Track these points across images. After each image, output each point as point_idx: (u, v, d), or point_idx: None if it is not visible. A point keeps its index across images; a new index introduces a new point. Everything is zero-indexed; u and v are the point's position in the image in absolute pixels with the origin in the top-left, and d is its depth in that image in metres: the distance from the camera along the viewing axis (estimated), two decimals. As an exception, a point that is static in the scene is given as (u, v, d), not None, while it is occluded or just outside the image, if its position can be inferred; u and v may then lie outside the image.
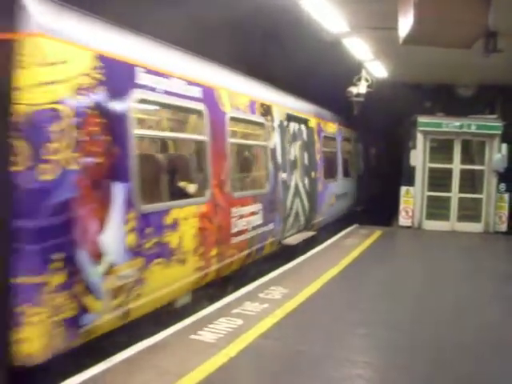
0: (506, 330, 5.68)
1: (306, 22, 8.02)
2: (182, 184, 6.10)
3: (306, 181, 10.32)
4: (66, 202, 4.01)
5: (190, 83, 5.88)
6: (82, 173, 4.17)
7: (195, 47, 6.49)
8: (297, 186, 9.76)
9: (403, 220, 13.55)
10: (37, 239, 3.80)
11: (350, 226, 13.12)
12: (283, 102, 9.36)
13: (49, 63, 3.93)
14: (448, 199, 13.47)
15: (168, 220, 5.37)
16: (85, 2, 4.97)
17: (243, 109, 7.47)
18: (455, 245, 11.84)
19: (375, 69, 11.96)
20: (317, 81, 11.98)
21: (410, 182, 13.47)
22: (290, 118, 9.46)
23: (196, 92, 6.02)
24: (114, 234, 4.53)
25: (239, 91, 7.42)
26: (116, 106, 4.62)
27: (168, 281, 5.38)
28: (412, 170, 13.44)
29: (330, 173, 12.37)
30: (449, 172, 13.45)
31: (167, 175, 5.98)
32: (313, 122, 10.96)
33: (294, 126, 9.68)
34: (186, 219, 5.70)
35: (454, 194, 13.44)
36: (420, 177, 13.43)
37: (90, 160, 4.27)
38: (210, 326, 5.26)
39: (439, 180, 13.57)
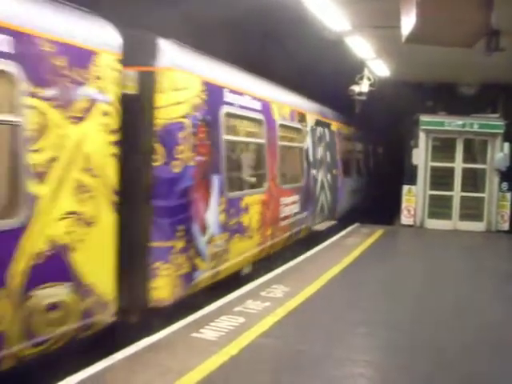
0: (506, 330, 5.68)
1: (308, 20, 8.02)
2: (250, 177, 7.73)
3: (329, 177, 12.09)
4: (187, 189, 5.57)
5: (254, 98, 7.65)
6: (196, 168, 5.75)
7: (200, 46, 6.51)
8: (322, 182, 11.50)
9: (405, 219, 13.55)
10: (168, 215, 5.32)
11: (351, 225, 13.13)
12: (313, 110, 11.08)
13: (176, 89, 5.46)
14: (450, 198, 13.45)
15: (243, 204, 7.13)
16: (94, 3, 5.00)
17: (287, 117, 9.23)
18: (457, 244, 11.84)
19: (377, 68, 11.94)
20: (319, 79, 11.97)
21: (412, 180, 13.46)
22: (318, 123, 11.21)
23: (258, 105, 7.79)
24: (212, 213, 6.14)
25: (284, 103, 9.15)
26: (213, 118, 6.21)
27: (241, 252, 7.07)
28: (414, 168, 13.43)
29: (346, 170, 14.01)
30: (451, 171, 13.43)
31: (242, 170, 7.56)
32: (334, 126, 12.71)
33: (320, 129, 11.37)
34: (253, 205, 7.44)
35: (456, 193, 13.42)
36: (422, 176, 13.42)
37: (200, 158, 5.85)
38: (212, 324, 5.27)
39: (441, 179, 13.55)
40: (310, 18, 7.89)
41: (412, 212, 13.48)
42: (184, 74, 5.64)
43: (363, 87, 11.93)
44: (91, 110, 4.48)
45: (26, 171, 3.84)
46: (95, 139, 4.51)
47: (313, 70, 11.92)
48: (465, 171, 13.46)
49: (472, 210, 13.51)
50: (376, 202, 16.65)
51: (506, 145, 13.03)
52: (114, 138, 4.71)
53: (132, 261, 5.13)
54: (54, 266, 4.09)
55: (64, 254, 4.17)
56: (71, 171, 4.25)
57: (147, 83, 5.25)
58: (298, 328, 5.41)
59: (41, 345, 4.00)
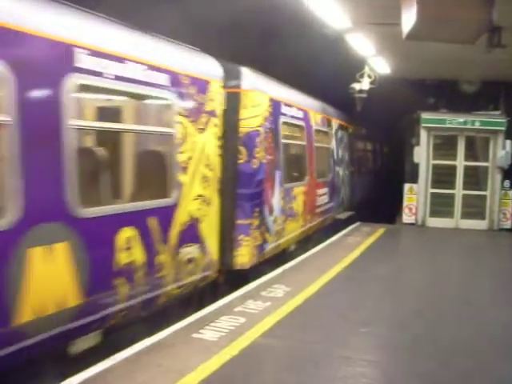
0: (508, 327, 5.64)
1: (307, 18, 7.98)
2: (297, 172, 9.70)
3: (347, 173, 14.04)
4: (261, 181, 7.33)
5: (298, 109, 9.52)
6: (266, 164, 7.52)
7: (200, 45, 6.50)
8: (343, 177, 13.45)
9: (407, 217, 13.51)
10: (248, 199, 7.09)
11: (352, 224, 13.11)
12: (336, 116, 12.85)
13: (254, 105, 7.19)
14: (452, 196, 13.41)
15: (293, 193, 9.06)
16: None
17: (319, 123, 11.12)
18: (459, 242, 11.80)
19: (378, 65, 11.89)
20: (319, 77, 11.94)
21: (414, 179, 13.42)
22: (339, 127, 13.09)
23: (301, 114, 9.67)
24: (276, 200, 8.07)
25: (317, 111, 11.08)
26: (275, 127, 8.09)
27: (292, 231, 8.99)
28: (416, 166, 13.39)
29: (360, 168, 15.93)
30: (453, 169, 13.38)
31: (292, 166, 9.39)
32: (350, 129, 14.41)
33: (340, 132, 13.21)
34: (299, 194, 9.39)
35: (458, 191, 13.38)
36: (424, 174, 13.38)
37: (269, 157, 7.65)
38: (212, 324, 5.24)
39: (443, 177, 13.50)
40: (309, 16, 7.85)
41: (414, 210, 13.44)
42: (258, 94, 7.39)
43: (364, 85, 11.90)
44: (208, 123, 6.22)
45: (177, 166, 5.56)
46: (211, 144, 6.29)
47: (313, 67, 11.89)
48: (466, 169, 13.41)
49: (474, 208, 13.47)
50: (380, 199, 16.92)
51: (508, 142, 12.96)
52: (219, 142, 6.54)
53: (224, 233, 6.73)
54: (191, 232, 5.85)
55: (196, 224, 5.97)
56: (199, 166, 6.00)
57: (234, 101, 6.92)
58: (299, 328, 5.38)
59: (181, 288, 5.68)
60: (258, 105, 7.28)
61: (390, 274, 8.13)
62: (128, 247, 4.74)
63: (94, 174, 4.77)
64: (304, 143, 9.87)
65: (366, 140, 17.36)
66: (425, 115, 13.33)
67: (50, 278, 3.93)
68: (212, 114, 6.27)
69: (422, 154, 13.34)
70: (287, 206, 8.65)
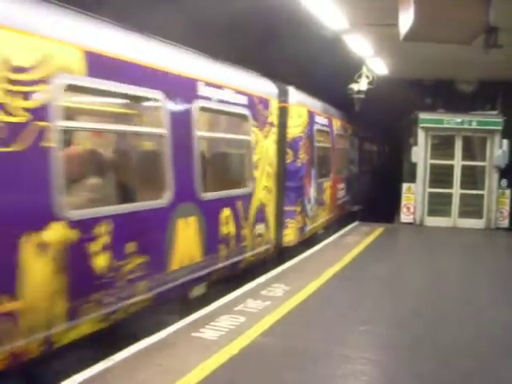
0: (508, 328, 5.67)
1: (305, 19, 8.01)
2: (324, 169, 11.49)
3: (356, 172, 15.93)
4: (302, 176, 9.24)
5: (325, 117, 11.49)
6: (306, 163, 9.44)
7: (195, 45, 6.51)
8: (354, 175, 15.25)
9: (405, 217, 13.56)
10: (294, 191, 8.86)
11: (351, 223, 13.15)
12: (348, 121, 14.39)
13: (298, 116, 9.04)
14: (449, 195, 13.46)
15: (323, 187, 11.11)
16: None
17: (339, 128, 13.04)
18: (457, 241, 11.84)
19: (376, 66, 11.93)
20: (317, 78, 11.97)
21: (412, 178, 13.46)
22: (352, 131, 15.06)
23: (326, 122, 11.65)
24: (312, 191, 10.05)
25: (338, 118, 12.98)
26: (311, 133, 9.99)
27: (321, 218, 11.04)
28: (414, 166, 13.43)
29: (366, 168, 17.92)
30: (450, 168, 13.43)
31: (322, 164, 11.08)
32: (356, 131, 15.94)
33: (351, 135, 14.98)
34: (326, 187, 11.49)
35: (456, 191, 13.43)
36: (421, 173, 13.43)
37: (307, 157, 9.53)
38: (212, 323, 5.26)
39: (441, 176, 13.55)
40: (307, 17, 7.89)
41: (412, 210, 13.48)
42: (300, 107, 9.29)
43: (362, 85, 11.93)
44: (270, 131, 8.14)
45: (252, 164, 7.50)
46: (271, 147, 8.23)
47: (311, 68, 11.92)
48: (464, 168, 13.46)
49: (471, 208, 13.52)
50: (380, 198, 17.08)
51: (505, 142, 13.02)
52: (276, 146, 8.42)
53: (276, 217, 8.47)
54: (261, 213, 7.78)
55: (263, 208, 7.88)
56: (265, 165, 7.93)
57: (283, 113, 8.67)
58: (299, 327, 5.41)
59: (254, 256, 7.57)
60: (300, 116, 9.22)
61: (388, 273, 8.16)
62: (226, 222, 6.68)
63: (208, 169, 6.68)
64: (329, 146, 11.88)
65: (367, 141, 18.25)
66: (422, 115, 13.38)
67: (187, 240, 5.72)
68: (271, 124, 8.24)
69: (420, 154, 13.39)
70: (319, 196, 10.72)
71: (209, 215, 6.19)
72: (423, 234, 12.82)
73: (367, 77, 11.92)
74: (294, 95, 8.98)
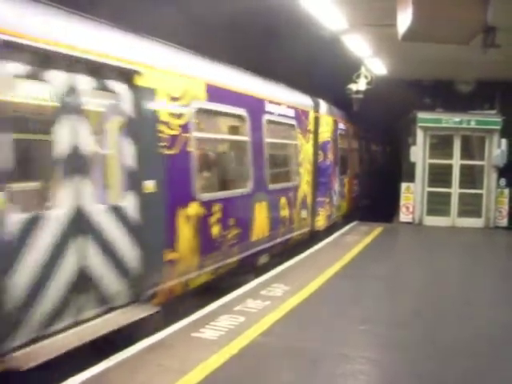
0: (507, 327, 5.69)
1: (304, 19, 8.02)
2: (344, 167, 13.33)
3: (363, 171, 17.36)
4: (330, 173, 11.39)
5: (344, 124, 13.35)
6: (333, 162, 11.62)
7: (195, 46, 6.53)
8: (362, 173, 16.69)
9: (404, 216, 13.57)
10: (324, 185, 11.11)
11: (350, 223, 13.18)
12: (363, 128, 16.68)
13: (326, 124, 11.25)
14: (448, 195, 13.48)
15: (343, 182, 13.12)
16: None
17: (352, 132, 14.80)
18: (456, 240, 11.86)
19: (374, 66, 11.95)
20: (316, 78, 11.99)
21: (411, 178, 13.48)
22: (363, 135, 16.97)
23: (345, 127, 13.51)
24: (336, 185, 12.07)
25: (351, 123, 14.46)
26: (335, 138, 12.00)
27: (342, 208, 13.09)
28: (412, 166, 13.45)
29: (371, 167, 19.25)
30: (449, 168, 13.45)
31: (342, 163, 12.96)
32: (361, 133, 17.47)
33: (360, 137, 16.56)
34: (345, 183, 13.50)
35: (455, 190, 13.45)
36: (420, 173, 13.44)
37: (333, 157, 11.62)
38: (212, 323, 5.28)
39: (439, 176, 13.56)
40: (306, 17, 7.90)
41: (411, 209, 13.50)
42: (328, 116, 11.50)
43: (360, 85, 11.95)
44: (309, 137, 10.39)
45: (299, 163, 9.79)
46: (310, 149, 10.47)
47: (309, 68, 11.95)
48: (463, 168, 13.48)
49: (470, 207, 13.53)
50: (379, 197, 17.19)
51: (504, 141, 13.04)
52: (313, 149, 10.64)
53: (310, 207, 10.54)
54: (304, 202, 9.96)
55: (305, 197, 10.09)
56: (306, 163, 10.20)
57: (316, 122, 10.89)
58: (299, 326, 5.43)
59: (299, 235, 9.77)
60: (327, 124, 11.37)
61: (388, 273, 8.18)
62: (283, 207, 8.99)
63: (271, 166, 8.55)
64: (347, 147, 13.85)
65: (370, 141, 18.87)
66: (421, 115, 13.40)
67: (260, 219, 7.93)
68: (310, 131, 10.46)
69: (419, 154, 13.40)
70: (341, 190, 12.80)
71: (273, 201, 8.46)
72: (422, 234, 12.84)
73: (366, 77, 11.93)
74: (324, 107, 11.23)
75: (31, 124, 5.37)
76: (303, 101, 10.33)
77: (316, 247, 9.91)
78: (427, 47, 7.86)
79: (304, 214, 9.97)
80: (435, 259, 9.47)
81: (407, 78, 13.73)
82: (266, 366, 4.48)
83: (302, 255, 9.05)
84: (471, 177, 13.64)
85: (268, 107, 8.27)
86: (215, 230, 6.39)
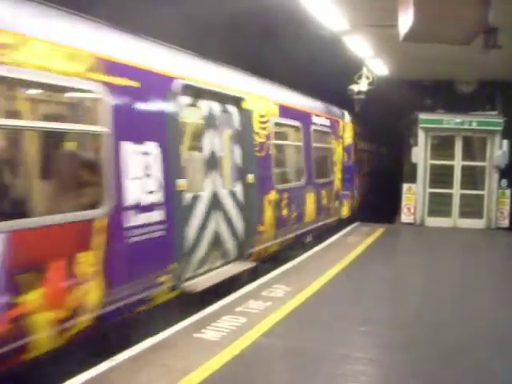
0: (507, 328, 5.69)
1: (305, 20, 8.03)
2: (361, 167, 15.65)
3: (369, 171, 19.14)
4: (353, 171, 13.94)
5: (360, 129, 15.06)
6: (354, 162, 14.17)
7: (195, 45, 6.54)
8: (369, 173, 18.55)
9: (405, 217, 13.57)
10: (348, 181, 13.48)
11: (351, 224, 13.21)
12: (367, 128, 18.03)
13: (349, 130, 13.65)
14: (450, 196, 13.47)
15: (360, 179, 15.45)
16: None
17: (364, 135, 16.27)
18: (457, 241, 11.85)
19: (376, 66, 11.95)
20: (317, 79, 12.02)
21: (412, 178, 13.48)
22: (370, 135, 18.30)
23: (361, 132, 15.26)
24: (356, 181, 14.73)
25: (365, 128, 16.34)
26: (355, 142, 14.21)
27: (359, 201, 15.06)
28: (414, 167, 13.44)
29: (379, 168, 20.96)
30: (450, 169, 13.44)
31: (359, 163, 15.09)
32: (367, 134, 18.99)
33: (369, 139, 18.24)
34: (361, 180, 15.52)
35: (456, 191, 13.44)
36: (422, 174, 13.44)
37: (354, 157, 14.08)
38: (214, 324, 5.28)
39: (441, 177, 13.56)
40: (307, 18, 7.91)
41: (412, 210, 13.50)
42: (350, 124, 13.55)
43: (362, 86, 11.96)
44: (339, 141, 12.65)
45: (333, 163, 12.29)
46: (340, 152, 12.72)
47: (311, 69, 11.98)
48: (464, 169, 13.47)
49: (472, 208, 13.52)
50: (381, 198, 17.27)
51: (505, 142, 13.03)
52: (342, 151, 12.76)
53: (336, 198, 12.31)
54: (336, 194, 12.35)
55: (338, 191, 12.47)
56: (338, 163, 12.60)
57: (343, 128, 12.84)
58: (300, 327, 5.43)
59: (332, 222, 12.09)
60: (350, 130, 13.48)
61: (389, 274, 8.17)
62: (323, 197, 11.06)
63: (316, 165, 10.58)
64: (359, 148, 15.44)
65: (373, 142, 19.33)
66: (422, 116, 13.40)
67: (310, 205, 10.07)
68: (340, 136, 12.72)
69: (420, 154, 13.40)
70: (359, 185, 15.01)
71: (317, 192, 10.62)
72: (424, 235, 12.83)
73: (367, 77, 11.94)
74: (347, 116, 13.46)
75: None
76: (335, 112, 12.57)
77: (317, 248, 9.90)
78: (428, 48, 7.87)
79: (336, 204, 12.21)
80: (436, 260, 9.46)
81: (408, 78, 13.72)
82: (268, 367, 4.48)
83: (304, 256, 9.05)
84: (473, 178, 13.63)
85: (314, 119, 10.59)
86: (284, 211, 8.70)
